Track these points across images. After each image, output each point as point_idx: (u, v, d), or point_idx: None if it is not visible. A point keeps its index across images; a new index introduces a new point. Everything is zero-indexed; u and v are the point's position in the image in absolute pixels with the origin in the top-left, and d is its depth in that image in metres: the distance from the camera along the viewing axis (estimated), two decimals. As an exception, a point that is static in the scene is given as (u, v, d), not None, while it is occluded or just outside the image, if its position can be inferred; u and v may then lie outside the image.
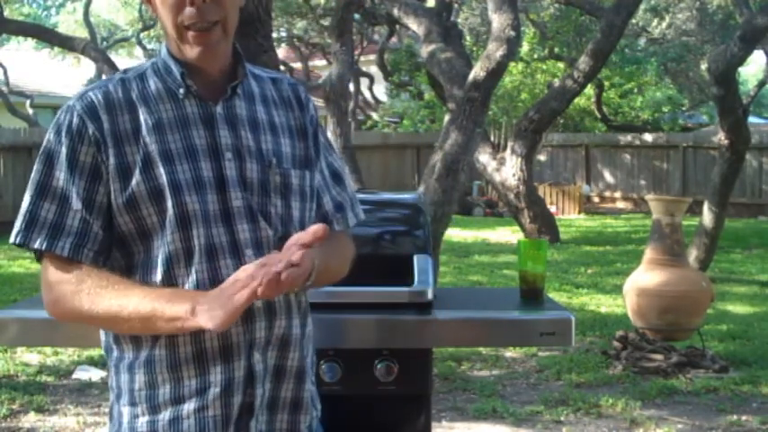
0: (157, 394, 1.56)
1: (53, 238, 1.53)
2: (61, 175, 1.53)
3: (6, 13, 16.41)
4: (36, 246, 1.53)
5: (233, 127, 1.60)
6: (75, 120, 1.54)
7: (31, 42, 24.89)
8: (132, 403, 1.58)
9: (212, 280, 1.52)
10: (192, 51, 1.56)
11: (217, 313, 1.40)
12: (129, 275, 1.55)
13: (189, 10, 1.53)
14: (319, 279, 1.55)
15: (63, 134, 1.54)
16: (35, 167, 1.56)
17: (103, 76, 14.97)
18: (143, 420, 1.57)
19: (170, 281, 1.53)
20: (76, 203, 1.53)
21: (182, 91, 1.58)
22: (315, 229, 1.43)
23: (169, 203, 1.53)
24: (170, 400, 1.55)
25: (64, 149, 1.54)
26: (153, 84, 1.60)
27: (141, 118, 1.56)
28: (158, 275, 1.54)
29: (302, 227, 1.60)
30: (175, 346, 1.54)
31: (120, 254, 1.57)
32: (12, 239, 1.54)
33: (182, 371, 1.55)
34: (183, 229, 1.53)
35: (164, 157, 1.54)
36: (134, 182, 1.53)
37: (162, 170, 1.53)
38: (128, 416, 1.58)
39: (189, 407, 1.55)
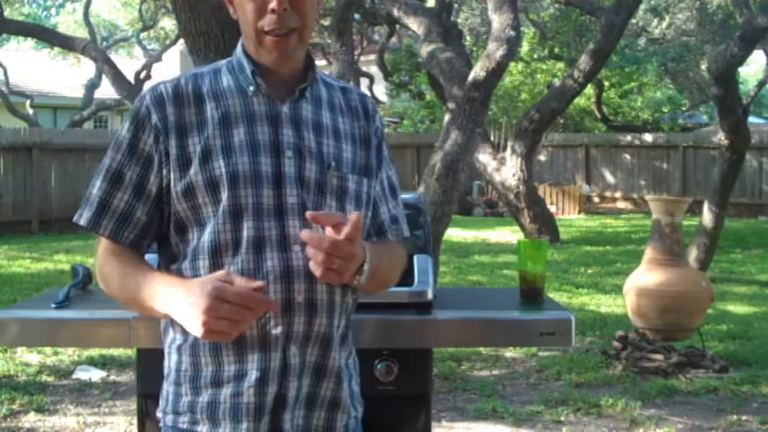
0: (200, 376, 1.62)
1: (98, 216, 1.63)
2: (120, 159, 1.63)
3: (6, 13, 16.41)
4: (82, 223, 1.64)
5: (297, 127, 1.65)
6: (143, 109, 1.63)
7: (30, 42, 24.90)
8: (177, 383, 1.65)
9: (256, 270, 1.58)
10: (268, 55, 1.63)
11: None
12: (186, 260, 1.62)
13: (269, 17, 1.60)
14: (370, 280, 1.61)
15: (130, 121, 1.64)
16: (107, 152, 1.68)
17: (103, 77, 14.97)
18: (185, 400, 1.63)
19: (215, 268, 1.58)
20: (126, 188, 1.62)
21: (251, 88, 1.65)
22: (353, 218, 1.48)
23: (224, 194, 1.58)
24: (210, 383, 1.61)
25: (128, 135, 1.63)
26: (225, 79, 1.67)
27: (208, 111, 1.63)
28: (206, 262, 1.60)
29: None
30: None
31: (180, 239, 1.64)
32: (74, 218, 1.66)
33: (222, 356, 1.60)
34: (234, 220, 1.59)
35: (225, 150, 1.60)
36: (192, 171, 1.60)
37: (221, 162, 1.59)
38: (173, 395, 1.65)
39: (226, 392, 1.60)
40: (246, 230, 1.59)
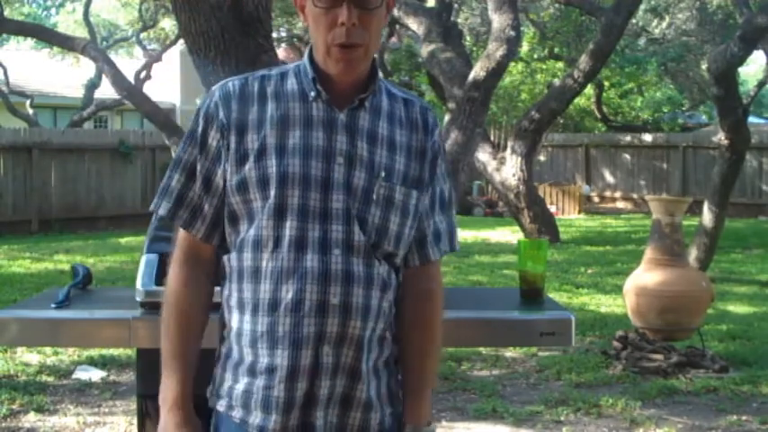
0: (240, 364, 1.70)
1: (177, 206, 1.74)
2: (193, 151, 1.73)
3: (6, 12, 16.39)
4: (161, 212, 1.74)
5: (351, 135, 1.70)
6: (212, 105, 1.72)
7: (30, 42, 24.88)
8: (224, 369, 1.73)
9: (294, 269, 1.65)
10: (335, 65, 1.68)
11: None
12: (234, 252, 1.71)
13: (339, 30, 1.66)
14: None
15: (201, 116, 1.73)
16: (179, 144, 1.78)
17: (103, 77, 14.96)
18: (226, 386, 1.72)
19: (255, 261, 1.67)
20: (198, 180, 1.72)
21: (312, 94, 1.70)
22: None
23: (272, 192, 1.66)
24: (247, 371, 1.68)
25: (199, 129, 1.72)
26: (290, 83, 1.73)
27: (269, 111, 1.70)
28: (248, 254, 1.68)
29: (397, 241, 1.73)
30: (256, 322, 1.67)
31: (232, 230, 1.72)
32: (150, 207, 1.77)
33: (258, 347, 1.67)
34: (278, 218, 1.66)
35: (279, 150, 1.67)
36: (247, 167, 1.68)
37: (274, 161, 1.67)
38: (218, 378, 1.74)
39: (259, 383, 1.67)
40: (289, 229, 1.66)
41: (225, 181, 1.70)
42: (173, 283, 1.75)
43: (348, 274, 1.65)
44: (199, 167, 1.72)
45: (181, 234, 1.76)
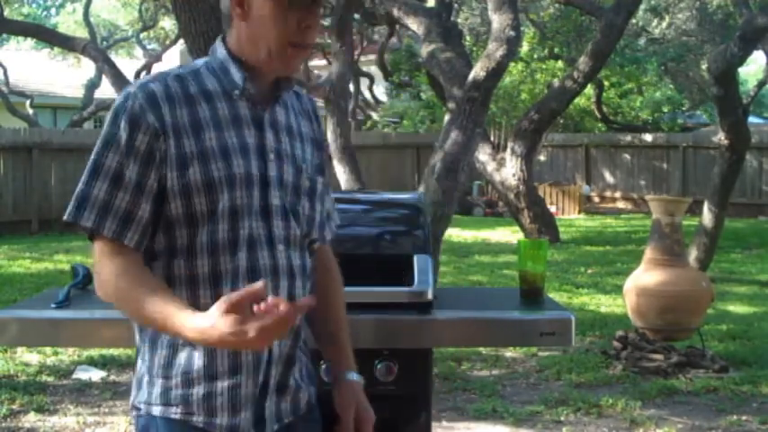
0: (190, 370, 1.67)
1: (102, 217, 1.63)
2: (116, 157, 1.63)
3: (6, 13, 16.40)
4: (86, 224, 1.63)
5: (275, 131, 1.74)
6: (136, 107, 1.63)
7: (30, 42, 24.89)
8: (165, 377, 1.68)
9: (252, 269, 1.66)
10: (282, 65, 1.70)
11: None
12: (170, 258, 1.67)
13: (300, 30, 1.68)
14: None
15: (122, 119, 1.63)
16: (94, 149, 1.65)
17: (103, 77, 14.96)
18: (175, 394, 1.68)
19: (215, 266, 1.65)
20: (127, 187, 1.63)
21: (236, 92, 1.70)
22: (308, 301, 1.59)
23: (224, 196, 1.64)
24: (205, 376, 1.67)
25: (122, 134, 1.63)
26: (210, 82, 1.71)
27: (200, 112, 1.67)
28: (204, 260, 1.65)
29: (320, 229, 1.84)
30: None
31: (165, 237, 1.67)
32: (65, 216, 1.64)
33: (216, 350, 1.65)
34: (232, 221, 1.66)
35: (222, 152, 1.66)
36: (191, 171, 1.63)
37: (220, 164, 1.65)
38: (158, 387, 1.69)
39: (223, 384, 1.67)
40: (242, 230, 1.67)
41: (161, 186, 1.63)
42: (112, 276, 1.61)
43: (291, 268, 1.71)
44: (128, 174, 1.62)
45: (107, 247, 1.63)
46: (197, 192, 1.64)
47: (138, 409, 1.72)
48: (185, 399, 1.67)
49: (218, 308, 1.48)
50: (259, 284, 1.49)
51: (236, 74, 1.70)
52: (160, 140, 1.63)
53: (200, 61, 1.76)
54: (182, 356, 1.67)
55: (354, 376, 1.88)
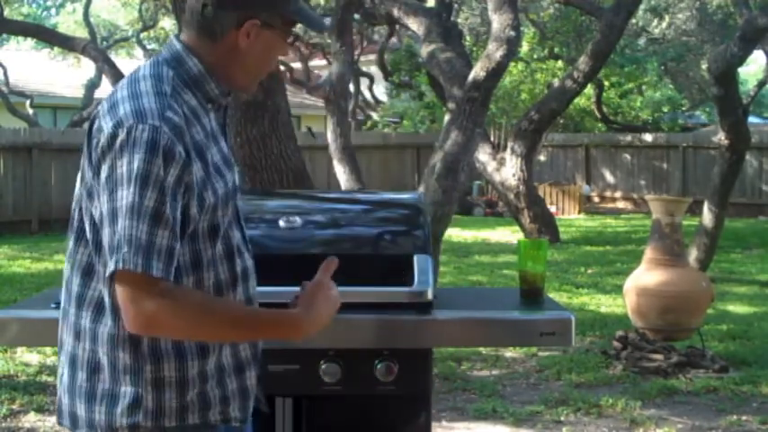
0: (223, 370, 1.78)
1: (148, 259, 1.56)
2: (153, 195, 1.57)
3: (6, 13, 16.40)
4: (159, 274, 1.56)
5: (225, 139, 1.83)
6: (167, 141, 1.59)
7: (30, 42, 24.89)
8: (182, 384, 1.73)
9: (244, 272, 1.79)
10: (253, 87, 1.83)
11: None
12: (201, 269, 1.70)
13: (275, 61, 1.83)
14: None
15: (158, 155, 1.58)
16: (127, 188, 1.57)
17: (103, 77, 14.95)
18: (215, 396, 1.76)
19: (218, 277, 1.73)
20: (166, 224, 1.58)
21: (210, 105, 1.75)
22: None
23: (226, 210, 1.73)
24: (234, 372, 1.79)
25: (157, 171, 1.58)
26: (189, 98, 1.71)
27: (199, 133, 1.69)
28: (210, 273, 1.71)
29: None
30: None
31: (188, 249, 1.68)
32: (113, 267, 1.56)
33: (238, 347, 1.81)
34: (229, 230, 1.76)
35: (219, 169, 1.72)
36: (205, 194, 1.66)
37: (221, 181, 1.71)
38: (198, 398, 1.73)
39: (238, 381, 1.80)
40: (233, 239, 1.77)
41: (185, 213, 1.63)
42: (170, 299, 1.58)
43: (253, 269, 1.84)
44: (167, 210, 1.58)
45: (152, 286, 1.57)
46: (206, 211, 1.67)
47: (138, 427, 1.67)
48: (204, 403, 1.72)
49: (311, 293, 1.72)
50: (332, 260, 1.79)
51: (216, 90, 1.74)
52: (187, 170, 1.62)
53: (167, 72, 1.70)
54: (192, 365, 1.70)
55: None
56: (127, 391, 1.67)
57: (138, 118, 1.60)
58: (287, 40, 1.77)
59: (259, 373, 1.85)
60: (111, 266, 1.56)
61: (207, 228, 1.69)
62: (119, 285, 1.57)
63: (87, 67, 19.23)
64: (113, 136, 1.60)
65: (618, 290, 7.44)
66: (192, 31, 1.73)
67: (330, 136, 8.32)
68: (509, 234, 13.19)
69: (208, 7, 1.70)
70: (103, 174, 1.60)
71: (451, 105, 6.82)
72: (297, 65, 20.03)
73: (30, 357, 5.82)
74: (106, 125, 1.63)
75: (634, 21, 17.87)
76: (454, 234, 12.59)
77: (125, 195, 1.56)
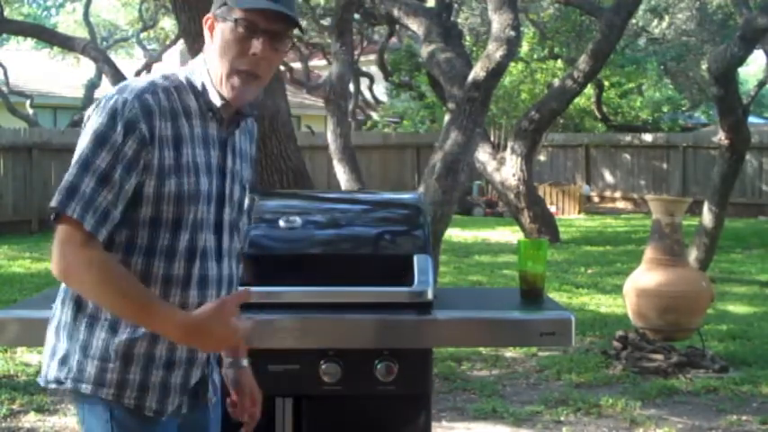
0: (152, 359, 1.83)
1: (85, 211, 1.70)
2: (108, 158, 1.72)
3: (6, 13, 16.40)
4: (71, 214, 1.69)
5: (233, 154, 1.91)
6: (131, 115, 1.73)
7: (30, 42, 24.89)
8: (104, 359, 1.80)
9: (201, 278, 1.84)
10: (228, 91, 1.82)
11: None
12: (127, 254, 1.79)
13: (247, 58, 1.80)
14: None
15: (118, 122, 1.73)
16: (85, 143, 1.73)
17: (103, 77, 14.94)
18: (133, 378, 1.82)
19: (168, 270, 1.80)
20: (111, 187, 1.72)
21: (210, 113, 1.84)
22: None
23: (190, 208, 1.80)
24: (164, 365, 1.85)
25: (117, 137, 1.72)
26: (189, 100, 1.83)
27: (181, 128, 1.80)
28: (161, 263, 1.80)
29: (243, 240, 2.07)
30: None
31: (126, 234, 1.78)
32: (52, 203, 1.71)
33: (162, 344, 1.85)
34: (193, 232, 1.82)
35: (194, 168, 1.80)
36: (166, 182, 1.76)
37: (191, 179, 1.79)
38: (119, 373, 1.80)
39: (176, 373, 1.87)
40: (200, 242, 1.83)
41: (137, 191, 1.75)
42: (85, 265, 1.71)
43: (231, 278, 1.91)
44: (116, 176, 1.72)
45: (79, 237, 1.71)
46: (167, 201, 1.77)
47: (61, 383, 1.81)
48: (121, 382, 1.79)
49: (214, 308, 1.71)
50: (244, 291, 1.81)
51: (215, 98, 1.83)
52: (146, 150, 1.74)
53: (182, 74, 1.86)
54: (120, 342, 1.78)
55: (246, 362, 2.06)
56: (62, 347, 1.82)
57: (117, 91, 1.78)
58: (237, 28, 1.79)
59: (199, 377, 1.90)
60: (53, 202, 1.70)
61: (171, 219, 1.78)
62: (58, 225, 1.72)
63: (87, 67, 19.23)
64: (97, 103, 1.79)
65: (618, 290, 7.44)
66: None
67: (330, 136, 8.31)
68: (509, 234, 13.19)
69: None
70: None
71: (451, 105, 6.82)
72: (297, 65, 20.04)
73: (30, 357, 5.82)
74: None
75: (634, 21, 17.85)
76: (454, 234, 12.59)
77: (83, 148, 1.73)
